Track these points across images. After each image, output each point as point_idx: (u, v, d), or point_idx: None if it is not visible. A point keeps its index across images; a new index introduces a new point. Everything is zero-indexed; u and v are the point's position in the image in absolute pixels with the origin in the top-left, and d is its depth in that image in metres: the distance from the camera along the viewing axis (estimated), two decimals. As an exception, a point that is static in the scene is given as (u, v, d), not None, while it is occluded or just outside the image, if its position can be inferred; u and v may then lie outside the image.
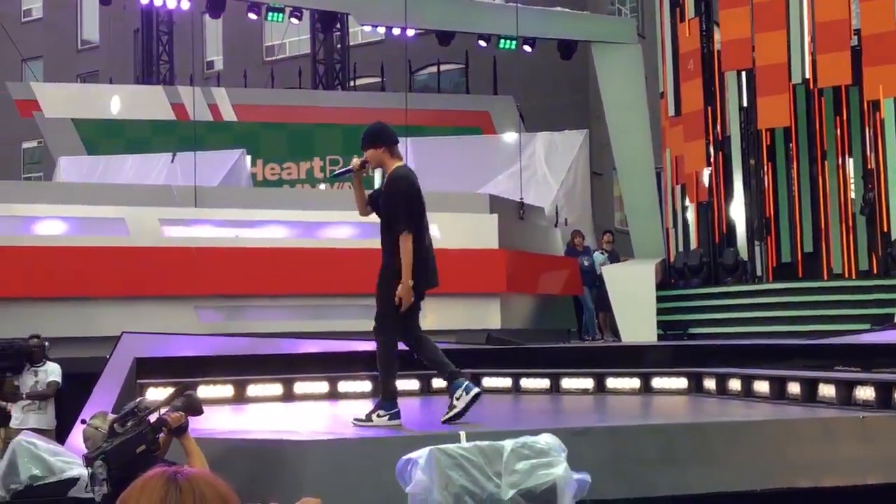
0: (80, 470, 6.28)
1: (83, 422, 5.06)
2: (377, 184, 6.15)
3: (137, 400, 4.66)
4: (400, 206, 5.76)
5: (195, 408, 4.62)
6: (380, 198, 5.99)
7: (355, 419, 5.88)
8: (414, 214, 5.80)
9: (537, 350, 10.26)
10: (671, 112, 17.08)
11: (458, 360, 9.19)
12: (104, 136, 20.80)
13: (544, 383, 8.60)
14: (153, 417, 4.47)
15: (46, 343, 9.96)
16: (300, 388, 8.35)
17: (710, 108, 16.37)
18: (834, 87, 15.20)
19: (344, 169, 6.17)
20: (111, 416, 4.89)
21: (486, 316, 13.33)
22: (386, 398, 5.91)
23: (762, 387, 7.23)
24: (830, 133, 15.76)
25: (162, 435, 4.42)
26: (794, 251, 15.74)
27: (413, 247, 5.73)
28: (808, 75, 14.84)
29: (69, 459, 6.65)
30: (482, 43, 19.16)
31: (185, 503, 1.64)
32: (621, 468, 5.24)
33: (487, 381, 8.82)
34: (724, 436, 5.54)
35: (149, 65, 24.41)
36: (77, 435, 7.77)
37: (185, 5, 19.58)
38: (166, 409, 4.53)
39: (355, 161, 5.97)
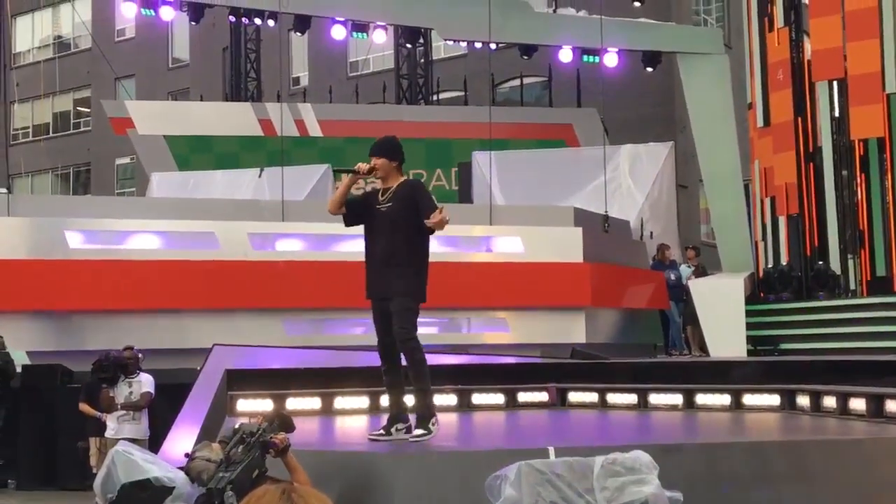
0: (175, 479, 6.41)
1: (188, 456, 5.11)
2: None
3: (237, 425, 4.71)
4: (432, 200, 5.84)
5: (289, 426, 4.69)
6: (391, 204, 5.83)
7: (413, 437, 5.66)
8: None
9: (624, 365, 10.14)
10: (760, 123, 16.80)
11: (544, 374, 9.17)
12: (194, 152, 21.28)
13: (631, 399, 8.48)
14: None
15: (140, 354, 10.19)
16: (387, 400, 8.38)
17: (800, 119, 16.07)
18: (930, 95, 14.78)
19: (350, 169, 5.96)
20: (215, 445, 4.95)
21: (571, 330, 13.25)
22: (432, 406, 5.85)
23: (859, 404, 7.01)
24: (927, 143, 15.31)
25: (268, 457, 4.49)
26: (888, 264, 15.30)
27: (426, 252, 5.88)
28: (902, 84, 14.45)
29: (165, 469, 6.77)
30: (565, 58, 18.98)
31: None
32: (714, 486, 5.14)
33: (573, 396, 8.75)
34: (822, 454, 5.40)
35: (237, 82, 24.93)
36: (171, 443, 7.94)
37: (271, 23, 19.97)
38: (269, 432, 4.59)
39: (363, 166, 5.87)
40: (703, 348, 14.47)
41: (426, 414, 5.75)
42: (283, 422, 4.67)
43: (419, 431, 5.67)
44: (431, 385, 5.98)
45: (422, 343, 5.86)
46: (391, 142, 6.05)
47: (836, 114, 15.79)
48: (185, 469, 5.11)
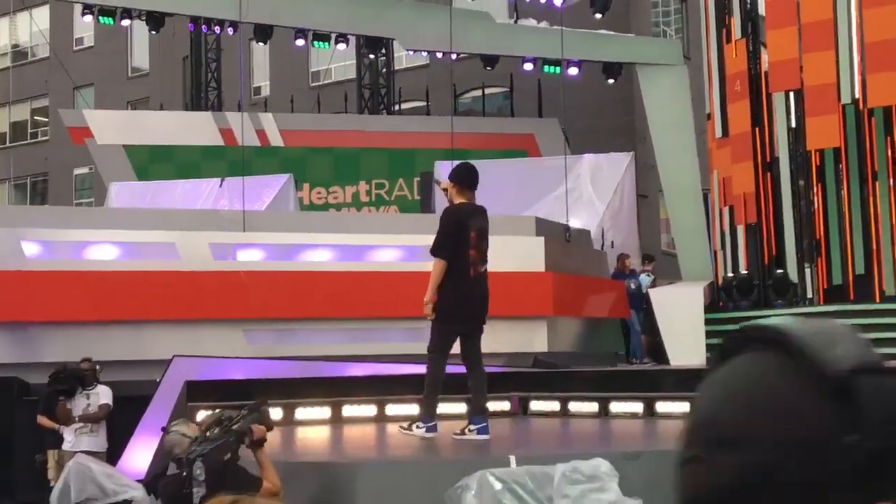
0: (133, 492, 6.36)
1: (164, 430, 5.18)
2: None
3: (219, 411, 4.80)
4: (438, 234, 6.59)
5: (267, 424, 4.77)
6: None
7: (403, 426, 6.51)
8: (446, 245, 6.53)
9: (585, 373, 10.19)
10: (718, 133, 16.96)
11: (506, 383, 9.19)
12: (154, 162, 21.11)
13: (593, 407, 8.54)
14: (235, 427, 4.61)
15: (98, 366, 10.09)
16: (348, 410, 8.38)
17: (757, 130, 16.23)
18: (884, 107, 15.01)
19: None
20: (192, 424, 5.03)
21: (533, 339, 13.28)
22: (428, 413, 6.47)
23: (816, 411, 7.11)
24: (881, 153, 15.53)
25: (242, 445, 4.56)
26: (845, 273, 15.51)
27: (445, 274, 6.53)
28: (857, 95, 14.67)
29: (123, 481, 6.71)
30: (528, 67, 19.12)
31: None
32: (674, 493, 5.17)
33: (535, 405, 8.79)
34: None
35: (198, 91, 24.78)
36: (130, 456, 7.87)
37: (231, 32, 19.87)
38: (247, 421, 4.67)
39: (443, 182, 6.76)
40: (654, 357, 14.60)
41: (418, 416, 6.55)
42: (264, 419, 4.75)
43: (407, 425, 6.54)
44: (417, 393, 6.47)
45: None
46: (455, 167, 6.86)
47: (793, 124, 15.96)
48: (159, 441, 5.20)
